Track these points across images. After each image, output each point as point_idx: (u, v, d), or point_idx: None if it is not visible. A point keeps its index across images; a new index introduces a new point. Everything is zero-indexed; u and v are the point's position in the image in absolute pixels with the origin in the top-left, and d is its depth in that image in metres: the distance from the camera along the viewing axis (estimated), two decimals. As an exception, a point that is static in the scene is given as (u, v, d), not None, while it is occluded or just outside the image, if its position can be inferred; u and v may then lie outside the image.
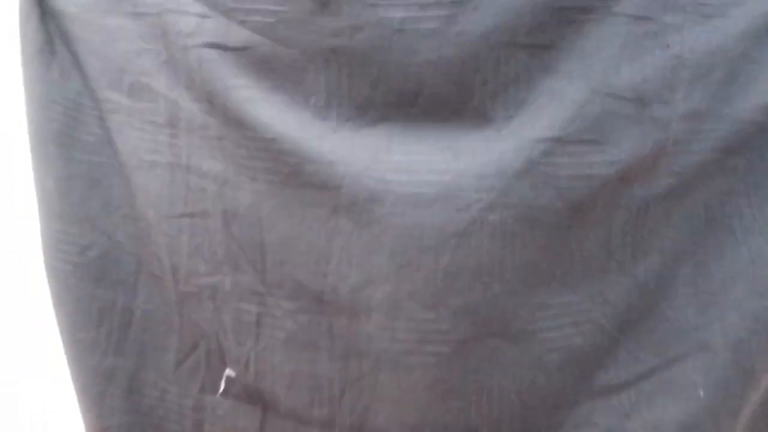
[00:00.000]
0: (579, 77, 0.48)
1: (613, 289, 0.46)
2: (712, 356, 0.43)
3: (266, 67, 0.50)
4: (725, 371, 0.43)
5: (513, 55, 0.46)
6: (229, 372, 0.55)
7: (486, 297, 0.45)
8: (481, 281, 0.45)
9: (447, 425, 0.46)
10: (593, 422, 0.44)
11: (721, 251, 0.45)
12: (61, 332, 0.58)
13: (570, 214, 0.45)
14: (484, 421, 0.45)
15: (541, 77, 0.48)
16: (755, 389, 0.43)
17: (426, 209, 0.44)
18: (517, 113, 0.47)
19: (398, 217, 0.45)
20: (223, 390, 0.55)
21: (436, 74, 0.46)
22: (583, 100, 0.47)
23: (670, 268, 0.46)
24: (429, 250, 0.44)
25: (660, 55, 0.48)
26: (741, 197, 0.46)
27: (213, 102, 0.51)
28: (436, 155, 0.46)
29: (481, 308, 0.45)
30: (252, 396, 0.53)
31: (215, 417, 0.53)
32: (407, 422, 0.47)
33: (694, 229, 0.46)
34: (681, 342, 0.44)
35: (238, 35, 0.50)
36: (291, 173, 0.49)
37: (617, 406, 0.45)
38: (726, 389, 0.43)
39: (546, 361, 0.45)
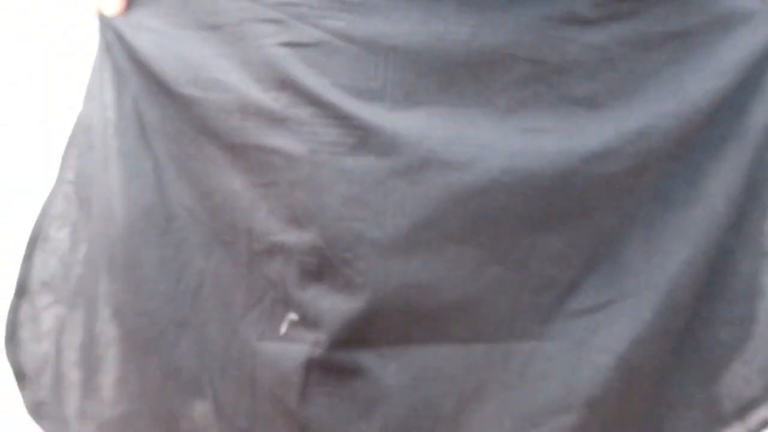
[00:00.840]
0: None
1: (583, 237, 0.59)
2: (655, 292, 0.57)
3: (333, 59, 0.60)
4: (665, 303, 0.58)
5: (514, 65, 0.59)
6: (292, 316, 0.62)
7: (497, 234, 0.59)
8: (496, 224, 0.59)
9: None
10: (566, 335, 0.58)
11: (664, 219, 0.59)
12: (138, 286, 0.64)
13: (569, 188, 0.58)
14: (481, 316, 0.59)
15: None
16: (688, 316, 0.60)
17: (462, 171, 0.58)
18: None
19: (441, 178, 0.58)
20: (284, 333, 0.62)
21: (465, 72, 0.59)
22: None
23: (625, 225, 0.60)
24: (462, 201, 0.58)
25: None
26: (680, 178, 0.60)
27: (282, 90, 0.60)
28: (468, 131, 0.59)
29: (493, 242, 0.59)
30: (305, 336, 0.61)
31: (266, 361, 0.61)
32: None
33: (643, 200, 0.60)
34: (632, 281, 0.58)
35: (311, 35, 0.59)
36: (355, 144, 0.59)
37: (586, 325, 0.58)
38: (665, 316, 0.58)
39: (531, 285, 0.58)
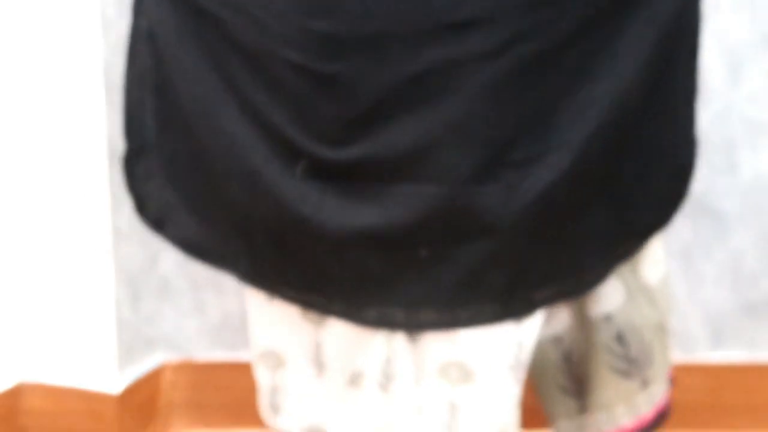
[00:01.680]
0: None
1: (519, 105, 0.67)
2: (573, 147, 0.67)
3: None
4: (580, 156, 0.67)
5: None
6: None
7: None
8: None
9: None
10: (502, 180, 0.67)
11: (585, 90, 0.67)
12: None
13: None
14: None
15: None
16: (600, 167, 0.70)
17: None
18: None
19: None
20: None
21: None
22: None
23: (555, 96, 0.67)
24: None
25: None
26: (598, 56, 0.68)
27: None
28: None
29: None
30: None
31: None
32: None
33: (568, 74, 0.68)
34: (556, 139, 0.67)
35: None
36: None
37: (517, 173, 0.67)
38: (580, 166, 0.68)
39: (473, 142, 0.67)
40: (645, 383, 0.81)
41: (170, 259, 1.18)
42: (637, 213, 0.77)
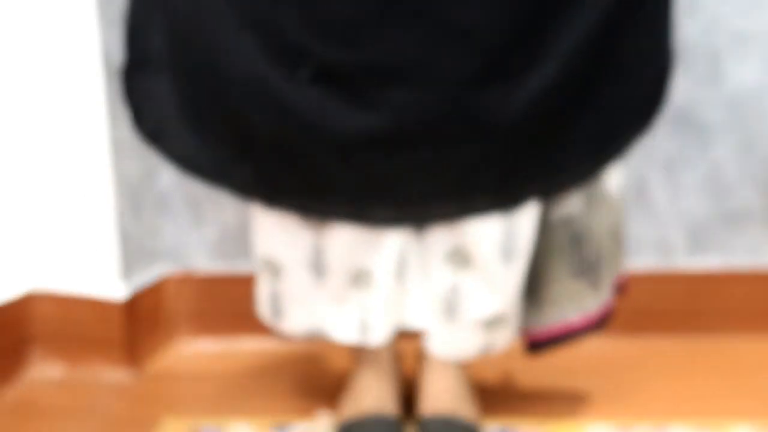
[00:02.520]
0: None
1: (515, 19, 0.73)
2: (560, 57, 0.74)
3: None
4: (566, 65, 0.74)
5: None
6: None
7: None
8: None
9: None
10: (500, 86, 0.73)
11: (572, 8, 0.74)
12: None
13: None
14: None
15: None
16: (585, 75, 0.77)
17: None
18: None
19: None
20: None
21: None
22: None
23: (545, 13, 0.73)
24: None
25: None
26: None
27: None
28: None
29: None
30: None
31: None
32: None
33: None
34: (546, 50, 0.74)
35: None
36: None
37: (514, 81, 0.74)
38: (566, 74, 0.75)
39: (473, 50, 0.72)
40: (594, 285, 0.86)
41: (168, 172, 1.21)
42: (621, 116, 0.81)
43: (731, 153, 1.21)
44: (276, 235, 0.82)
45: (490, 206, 0.78)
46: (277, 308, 0.86)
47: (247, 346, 1.23)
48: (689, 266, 1.25)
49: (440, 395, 0.87)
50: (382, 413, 0.86)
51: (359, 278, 0.81)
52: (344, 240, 0.80)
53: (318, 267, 0.81)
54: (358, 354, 0.91)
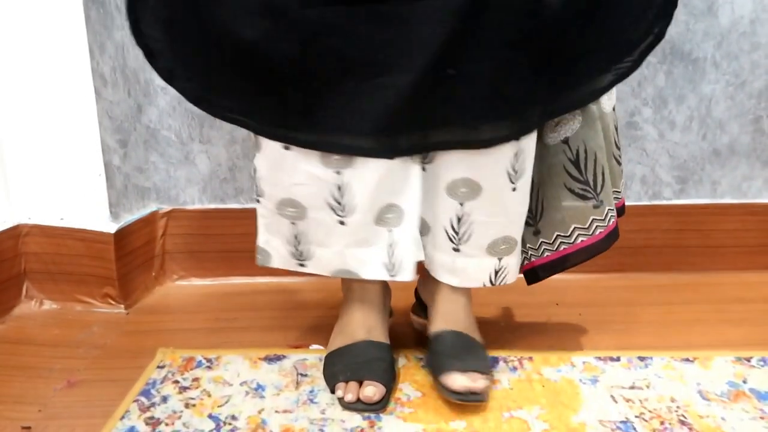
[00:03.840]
0: None
1: None
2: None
3: None
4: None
5: None
6: None
7: None
8: None
9: None
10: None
11: None
12: None
13: None
14: None
15: None
16: None
17: None
18: None
19: None
20: None
21: None
22: None
23: None
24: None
25: None
26: None
27: None
28: None
29: None
30: None
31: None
32: None
33: None
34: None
35: None
36: None
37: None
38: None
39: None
40: (596, 206, 0.88)
41: (157, 108, 1.20)
42: (624, 37, 0.80)
43: (721, 88, 1.21)
44: (296, 175, 0.79)
45: (511, 130, 0.78)
46: (301, 250, 0.85)
47: (237, 282, 1.24)
48: (677, 202, 1.26)
49: (450, 316, 0.88)
50: (371, 339, 0.88)
51: (386, 214, 0.81)
52: (371, 176, 0.78)
53: (342, 205, 0.80)
54: (349, 284, 0.92)
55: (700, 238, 1.26)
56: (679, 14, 1.15)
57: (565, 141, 0.86)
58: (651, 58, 1.18)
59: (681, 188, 1.25)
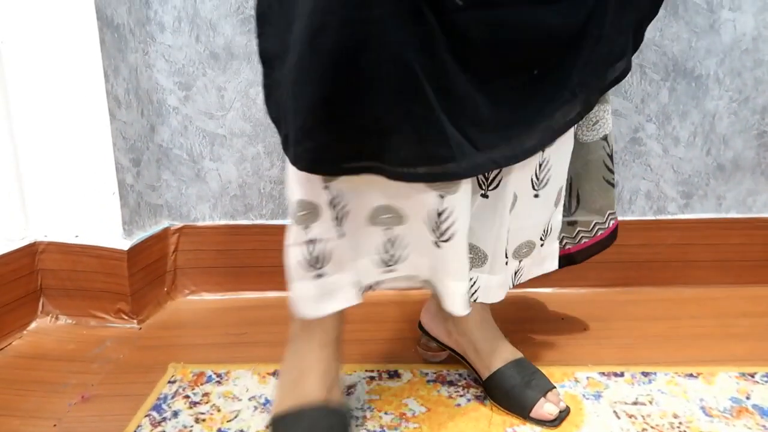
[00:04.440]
0: None
1: None
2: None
3: None
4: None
5: None
6: None
7: None
8: None
9: None
10: None
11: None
12: None
13: None
14: None
15: None
16: None
17: None
18: None
19: None
20: None
21: None
22: None
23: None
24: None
25: None
26: None
27: None
28: None
29: None
30: None
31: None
32: None
33: None
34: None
35: None
36: None
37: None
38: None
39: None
40: (615, 194, 0.97)
41: (167, 130, 1.23)
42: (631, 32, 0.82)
43: (725, 104, 1.22)
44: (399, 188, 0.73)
45: (582, 110, 0.77)
46: (392, 254, 0.79)
47: (247, 296, 1.26)
48: (682, 217, 1.27)
49: (498, 348, 0.89)
50: (329, 404, 0.78)
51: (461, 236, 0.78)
52: (463, 197, 0.74)
53: (442, 231, 0.75)
54: (307, 321, 0.80)
55: (705, 252, 1.27)
56: (682, 32, 1.17)
57: (604, 138, 0.91)
58: (654, 75, 1.20)
59: (686, 203, 1.26)
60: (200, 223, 1.27)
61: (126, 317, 1.14)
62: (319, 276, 0.77)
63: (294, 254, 0.76)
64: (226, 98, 1.21)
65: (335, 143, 0.66)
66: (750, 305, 1.19)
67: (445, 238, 0.75)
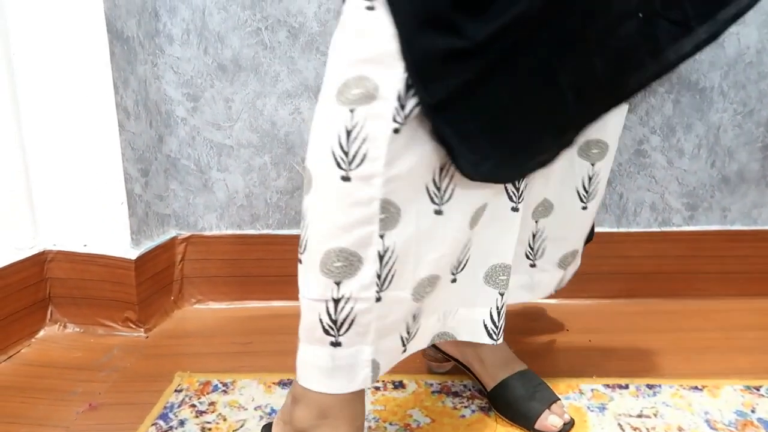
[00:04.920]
0: None
1: None
2: None
3: None
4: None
5: None
6: None
7: None
8: None
9: None
10: None
11: None
12: None
13: None
14: None
15: None
16: None
17: None
18: None
19: None
20: None
21: None
22: None
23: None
24: None
25: None
26: None
27: None
28: None
29: None
30: None
31: None
32: None
33: None
34: None
35: None
36: None
37: None
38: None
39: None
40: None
41: (174, 140, 1.24)
42: None
43: (729, 117, 1.22)
44: (446, 246, 0.70)
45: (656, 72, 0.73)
46: (411, 330, 0.73)
47: (253, 306, 1.27)
48: (686, 229, 1.27)
49: (503, 359, 0.89)
50: None
51: (500, 276, 0.80)
52: (492, 226, 0.75)
53: (460, 263, 0.76)
54: (319, 400, 0.70)
55: (711, 264, 1.27)
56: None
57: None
58: (659, 88, 1.20)
59: (691, 215, 1.27)
60: (207, 233, 1.28)
61: (133, 326, 1.15)
62: (336, 345, 0.66)
63: (311, 310, 0.66)
64: (233, 109, 1.22)
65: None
66: (755, 318, 1.19)
67: (461, 268, 0.76)
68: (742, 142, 1.23)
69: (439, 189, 0.67)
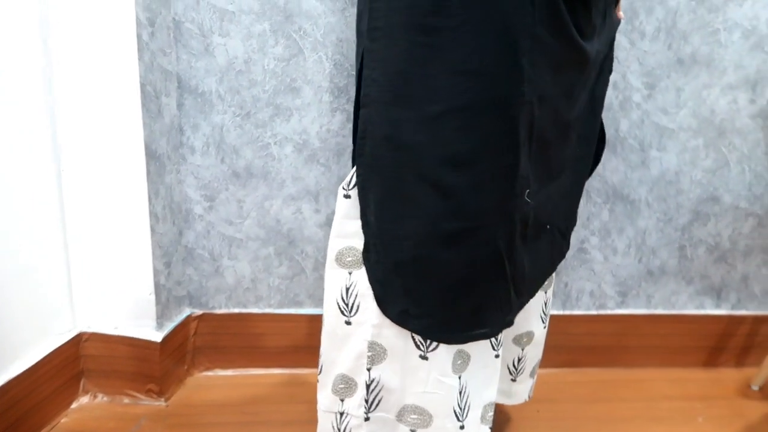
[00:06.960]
0: None
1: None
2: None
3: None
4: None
5: None
6: None
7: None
8: None
9: None
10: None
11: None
12: None
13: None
14: None
15: None
16: None
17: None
18: None
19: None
20: None
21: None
22: None
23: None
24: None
25: None
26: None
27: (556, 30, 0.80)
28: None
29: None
30: None
31: None
32: None
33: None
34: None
35: None
36: (583, 61, 0.87)
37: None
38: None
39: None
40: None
41: (192, 234, 1.44)
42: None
43: (653, 223, 1.49)
44: (431, 385, 0.81)
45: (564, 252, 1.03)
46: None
47: (254, 373, 1.46)
48: (618, 312, 1.53)
49: None
50: None
51: (488, 413, 0.91)
52: (482, 373, 0.89)
53: (464, 411, 0.85)
54: None
55: (637, 340, 1.52)
56: (620, 165, 1.43)
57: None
58: (597, 199, 1.46)
59: (622, 300, 1.52)
60: (217, 311, 1.47)
61: (155, 396, 1.34)
62: None
63: (325, 419, 0.84)
64: (244, 209, 1.42)
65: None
66: (671, 388, 1.44)
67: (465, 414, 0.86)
68: (663, 243, 1.49)
69: (424, 341, 0.83)
